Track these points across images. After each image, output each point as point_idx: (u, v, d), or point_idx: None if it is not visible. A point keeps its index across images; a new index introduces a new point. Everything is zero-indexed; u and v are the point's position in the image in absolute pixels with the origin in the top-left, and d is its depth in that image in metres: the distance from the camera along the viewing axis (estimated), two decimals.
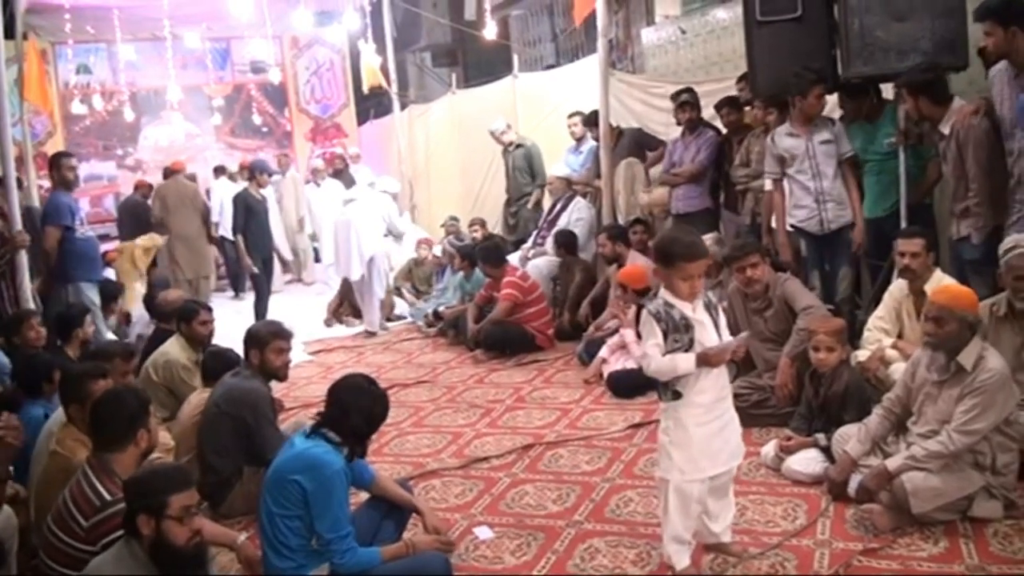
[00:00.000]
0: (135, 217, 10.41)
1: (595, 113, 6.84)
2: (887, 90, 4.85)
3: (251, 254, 7.64)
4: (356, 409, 2.87)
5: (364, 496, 3.24)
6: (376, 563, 2.82)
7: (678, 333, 2.69)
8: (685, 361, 2.68)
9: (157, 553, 2.34)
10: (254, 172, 7.97)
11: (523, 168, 8.11)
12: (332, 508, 2.74)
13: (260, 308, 7.73)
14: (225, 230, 10.52)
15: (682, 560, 2.82)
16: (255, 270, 7.68)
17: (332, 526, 2.74)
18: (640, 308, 2.82)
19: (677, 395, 2.74)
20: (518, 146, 8.17)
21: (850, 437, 3.41)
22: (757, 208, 5.64)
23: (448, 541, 3.14)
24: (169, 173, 10.42)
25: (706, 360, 2.68)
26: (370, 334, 7.71)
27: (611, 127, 6.76)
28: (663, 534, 2.85)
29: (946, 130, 4.12)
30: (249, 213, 7.67)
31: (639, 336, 2.83)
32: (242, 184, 10.63)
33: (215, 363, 4.23)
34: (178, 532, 2.35)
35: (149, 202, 10.33)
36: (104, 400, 2.92)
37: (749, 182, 5.71)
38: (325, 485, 2.73)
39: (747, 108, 5.87)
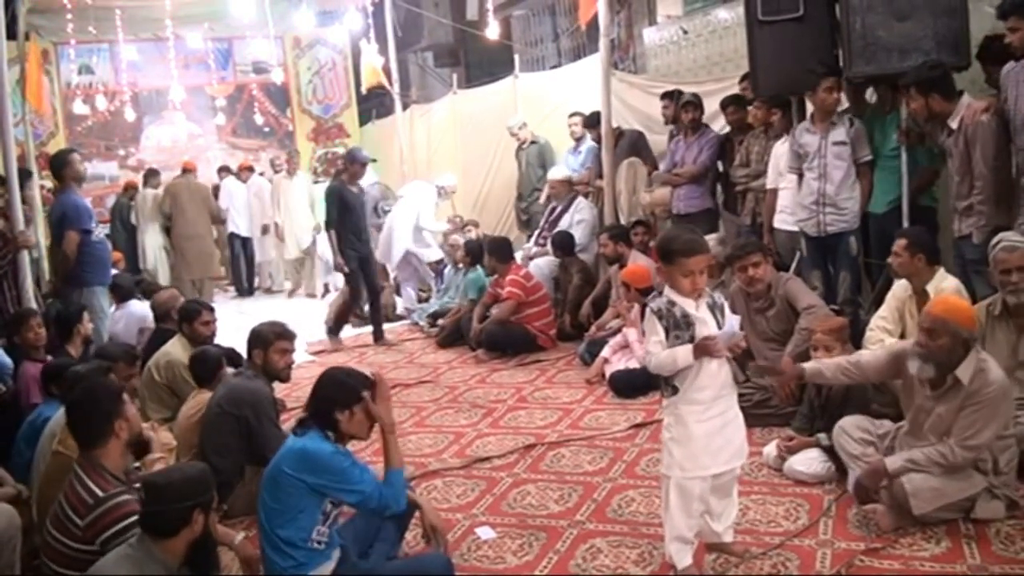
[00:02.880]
0: (120, 221, 10.51)
1: (597, 113, 6.85)
2: None
3: (344, 252, 6.97)
4: (336, 402, 2.85)
5: None
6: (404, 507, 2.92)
7: (679, 330, 2.71)
8: (684, 353, 2.69)
9: (198, 548, 2.39)
10: (349, 162, 7.09)
11: (536, 164, 8.17)
12: (352, 481, 2.73)
13: (359, 308, 7.21)
14: (236, 227, 10.56)
15: (684, 559, 2.82)
16: (347, 269, 7.06)
17: (365, 498, 2.76)
18: (644, 307, 2.84)
19: (675, 390, 2.76)
20: (532, 143, 8.25)
21: (851, 430, 3.38)
22: (757, 208, 5.65)
23: (444, 541, 3.13)
24: (149, 176, 10.49)
25: (704, 350, 2.69)
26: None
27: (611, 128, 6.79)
28: (665, 533, 2.85)
29: (954, 125, 4.11)
30: (344, 207, 6.91)
31: (644, 334, 2.85)
32: (255, 183, 10.71)
33: (200, 367, 4.26)
34: (214, 523, 2.45)
35: (132, 203, 10.42)
36: (76, 401, 2.91)
37: (749, 182, 5.71)
38: (329, 468, 2.72)
39: (751, 107, 5.87)
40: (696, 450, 2.75)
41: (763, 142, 5.61)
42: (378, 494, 2.79)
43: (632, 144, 6.93)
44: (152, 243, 10.21)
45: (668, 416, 2.81)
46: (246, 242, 10.77)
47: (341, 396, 2.83)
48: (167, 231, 10.17)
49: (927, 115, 4.25)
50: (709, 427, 2.76)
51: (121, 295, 6.56)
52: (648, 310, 2.78)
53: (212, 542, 2.52)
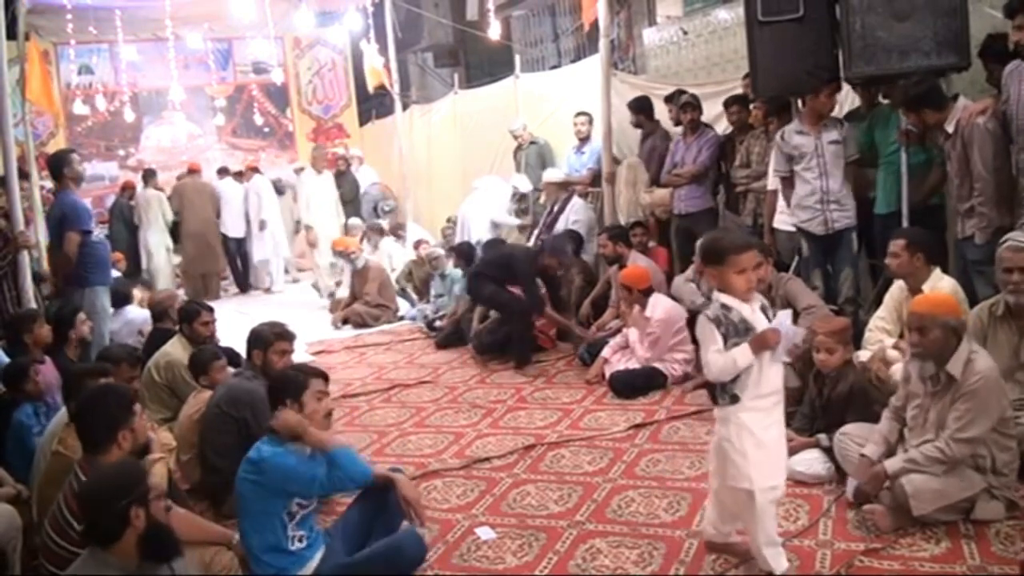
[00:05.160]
0: (121, 221, 10.53)
1: (639, 99, 6.81)
2: None
3: None
4: (279, 398, 2.92)
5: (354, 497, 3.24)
6: (368, 474, 2.97)
7: (738, 336, 2.65)
8: (743, 352, 2.62)
9: (149, 540, 2.28)
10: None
11: (536, 165, 8.19)
12: (298, 475, 2.79)
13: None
14: (227, 229, 10.58)
15: (781, 563, 2.78)
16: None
17: (322, 486, 2.84)
18: (695, 314, 2.80)
19: (735, 399, 2.69)
20: (531, 143, 8.29)
21: (853, 436, 3.39)
22: (758, 209, 5.64)
23: (420, 513, 3.11)
24: (148, 176, 10.55)
25: (763, 343, 2.62)
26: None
27: (651, 119, 6.77)
28: (754, 542, 2.81)
29: (951, 129, 4.11)
30: None
31: (695, 341, 2.82)
32: (255, 182, 10.70)
33: (195, 366, 4.27)
34: (158, 509, 2.34)
35: (132, 203, 10.44)
36: (86, 402, 2.88)
37: (750, 183, 5.71)
38: (276, 468, 2.78)
39: (752, 107, 5.86)
40: (765, 457, 2.71)
41: (763, 143, 5.61)
42: (331, 478, 2.84)
43: (654, 146, 6.87)
44: (155, 242, 10.25)
45: (726, 427, 2.73)
46: (240, 243, 10.79)
47: (289, 391, 2.90)
48: (174, 228, 10.30)
49: (923, 128, 4.29)
50: (775, 433, 2.73)
51: (117, 300, 6.57)
52: (703, 318, 2.71)
53: (164, 531, 2.36)
